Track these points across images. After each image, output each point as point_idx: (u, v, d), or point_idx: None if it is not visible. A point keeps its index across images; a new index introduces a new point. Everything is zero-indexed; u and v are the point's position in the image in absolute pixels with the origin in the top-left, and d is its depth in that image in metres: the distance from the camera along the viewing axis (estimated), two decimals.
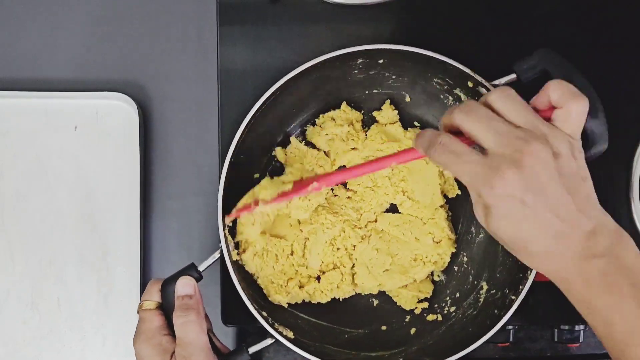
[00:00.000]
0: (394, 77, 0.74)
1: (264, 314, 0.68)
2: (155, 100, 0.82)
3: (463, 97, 0.72)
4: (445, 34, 0.77)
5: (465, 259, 0.76)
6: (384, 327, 0.75)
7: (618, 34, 0.77)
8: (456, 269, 0.76)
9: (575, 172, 0.55)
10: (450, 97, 0.73)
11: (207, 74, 0.81)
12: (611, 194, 0.76)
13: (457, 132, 0.59)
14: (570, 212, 0.54)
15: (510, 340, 0.78)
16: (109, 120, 0.81)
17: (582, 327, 0.77)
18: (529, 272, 0.67)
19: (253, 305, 0.67)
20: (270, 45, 0.77)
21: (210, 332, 0.67)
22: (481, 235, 0.76)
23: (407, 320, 0.75)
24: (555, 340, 0.78)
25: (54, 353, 0.80)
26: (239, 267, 0.71)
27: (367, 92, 0.76)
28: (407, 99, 0.76)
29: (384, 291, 0.76)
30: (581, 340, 0.77)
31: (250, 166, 0.74)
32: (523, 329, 0.79)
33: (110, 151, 0.81)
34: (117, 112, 0.81)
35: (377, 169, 0.64)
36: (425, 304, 0.76)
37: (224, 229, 0.67)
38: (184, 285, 0.66)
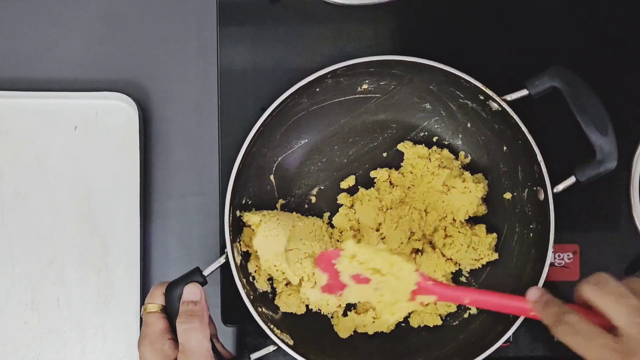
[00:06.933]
0: (403, 87, 0.73)
1: (265, 318, 0.68)
2: (155, 100, 0.82)
3: (470, 104, 0.71)
4: (448, 37, 0.77)
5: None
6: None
7: (618, 34, 0.77)
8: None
9: None
10: (460, 109, 0.73)
11: (207, 74, 0.81)
12: (611, 194, 0.76)
13: (584, 305, 0.55)
14: None
15: (510, 340, 0.78)
16: (109, 120, 0.81)
17: None
18: None
19: (256, 310, 0.67)
20: (270, 45, 0.77)
21: (214, 337, 0.67)
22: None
23: (412, 332, 0.75)
24: (555, 340, 0.78)
25: (54, 353, 0.80)
26: (244, 271, 0.71)
27: (374, 104, 0.75)
28: (416, 110, 0.75)
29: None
30: None
31: (257, 169, 0.74)
32: (523, 329, 0.79)
33: (110, 151, 0.81)
34: (117, 112, 0.81)
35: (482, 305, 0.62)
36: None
37: (229, 233, 0.67)
38: (191, 292, 0.65)
